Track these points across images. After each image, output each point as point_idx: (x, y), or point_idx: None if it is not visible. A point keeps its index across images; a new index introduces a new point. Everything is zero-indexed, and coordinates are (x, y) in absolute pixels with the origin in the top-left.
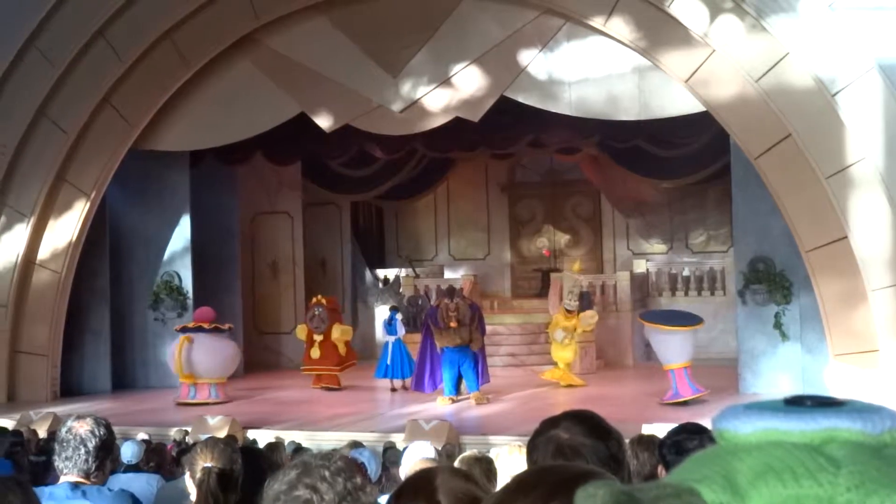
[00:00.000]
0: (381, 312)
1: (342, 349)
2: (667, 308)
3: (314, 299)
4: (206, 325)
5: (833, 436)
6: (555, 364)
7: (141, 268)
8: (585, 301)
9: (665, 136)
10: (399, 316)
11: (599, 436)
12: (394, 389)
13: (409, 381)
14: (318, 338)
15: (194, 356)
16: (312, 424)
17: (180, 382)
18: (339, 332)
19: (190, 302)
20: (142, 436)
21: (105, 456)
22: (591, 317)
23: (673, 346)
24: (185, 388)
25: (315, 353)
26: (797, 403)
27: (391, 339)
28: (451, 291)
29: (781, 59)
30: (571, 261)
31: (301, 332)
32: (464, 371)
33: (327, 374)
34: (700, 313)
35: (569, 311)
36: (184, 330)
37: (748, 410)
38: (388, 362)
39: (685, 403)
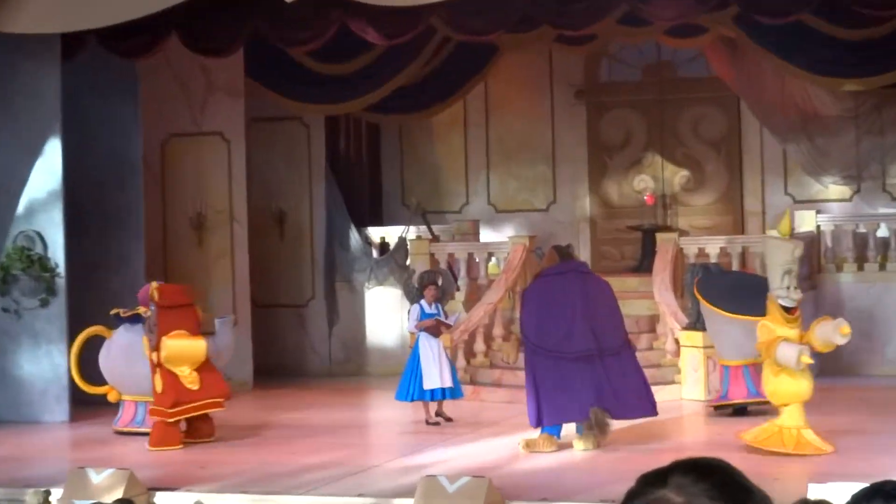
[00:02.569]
0: (376, 297)
1: (187, 380)
2: (736, 272)
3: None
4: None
5: None
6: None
7: None
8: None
9: (846, 6)
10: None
11: (733, 499)
12: (432, 422)
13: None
14: (154, 356)
15: (121, 360)
16: (265, 482)
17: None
18: (165, 354)
19: (61, 280)
20: None
21: None
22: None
23: (732, 337)
24: (127, 408)
25: (157, 384)
26: None
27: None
28: None
29: None
30: (779, 218)
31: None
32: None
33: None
34: None
35: (788, 310)
36: (132, 319)
37: None
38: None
39: (741, 411)
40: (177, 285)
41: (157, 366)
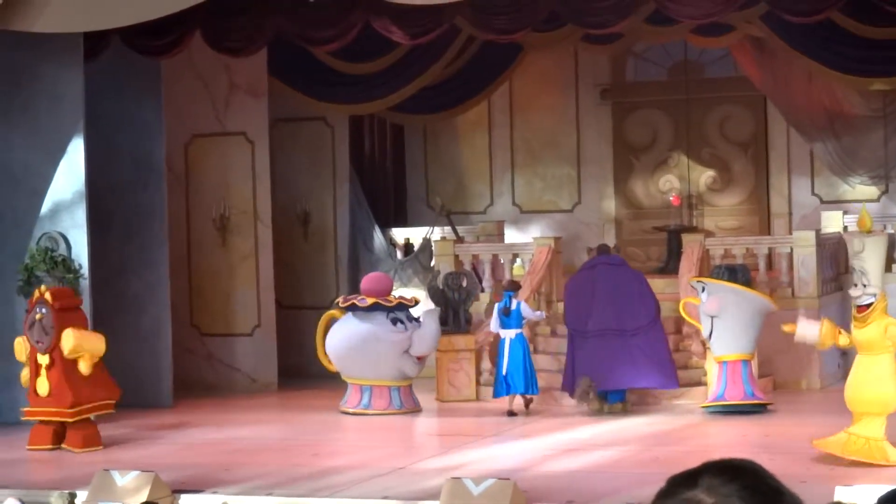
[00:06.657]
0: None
1: (86, 374)
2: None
3: (36, 292)
4: (383, 302)
5: None
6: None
7: (4, 226)
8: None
9: (875, 4)
10: (520, 299)
11: (765, 500)
12: (512, 413)
13: (531, 397)
14: (42, 360)
15: (353, 344)
16: (290, 485)
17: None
18: (70, 343)
19: (84, 281)
20: (11, 502)
21: None
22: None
23: (736, 322)
24: (355, 392)
25: (42, 386)
26: None
27: (509, 333)
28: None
29: None
30: (862, 217)
31: (20, 349)
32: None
33: (56, 421)
34: None
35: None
36: (351, 308)
37: None
38: (504, 371)
39: (737, 412)
40: (64, 289)
41: (47, 368)
